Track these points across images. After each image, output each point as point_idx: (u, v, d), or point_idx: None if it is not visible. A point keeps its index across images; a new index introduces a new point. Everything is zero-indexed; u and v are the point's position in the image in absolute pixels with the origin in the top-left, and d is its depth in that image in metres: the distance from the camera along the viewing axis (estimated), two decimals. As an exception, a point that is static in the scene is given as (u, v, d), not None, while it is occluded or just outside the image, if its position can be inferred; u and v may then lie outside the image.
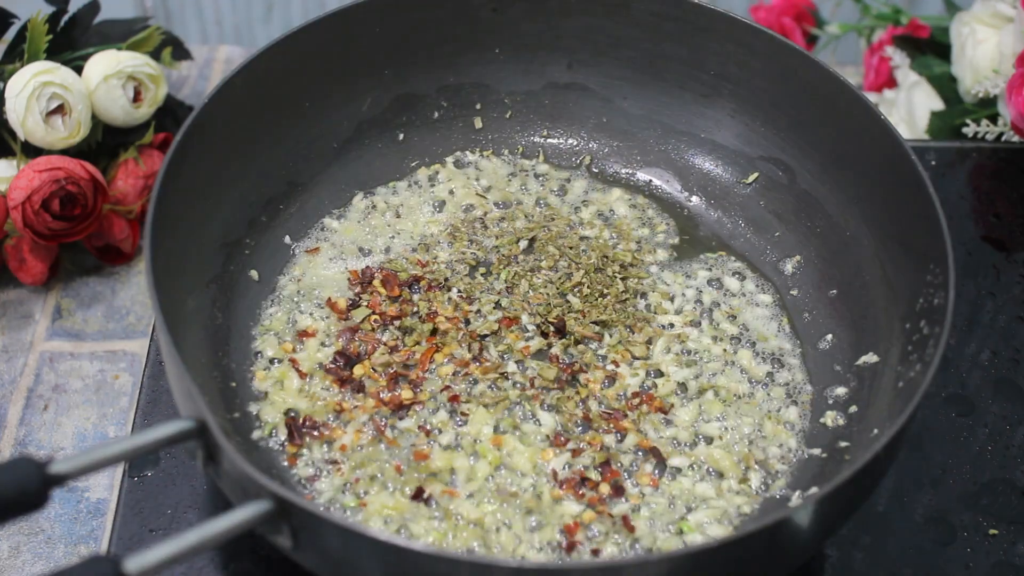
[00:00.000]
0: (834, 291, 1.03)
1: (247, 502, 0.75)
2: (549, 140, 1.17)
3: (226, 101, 0.98)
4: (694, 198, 1.13)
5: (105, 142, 1.25)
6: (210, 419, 0.77)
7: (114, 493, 1.07)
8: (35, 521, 1.06)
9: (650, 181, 1.15)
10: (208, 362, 0.95)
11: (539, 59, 1.14)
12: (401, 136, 1.14)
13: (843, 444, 0.93)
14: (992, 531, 0.97)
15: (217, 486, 0.86)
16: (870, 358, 0.97)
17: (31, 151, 1.20)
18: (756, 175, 1.11)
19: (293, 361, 0.98)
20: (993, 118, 1.28)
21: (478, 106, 1.16)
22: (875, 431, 0.90)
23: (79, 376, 1.18)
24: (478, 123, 1.16)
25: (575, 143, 1.17)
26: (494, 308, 1.03)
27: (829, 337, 1.02)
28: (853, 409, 0.96)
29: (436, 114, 1.15)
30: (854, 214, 1.03)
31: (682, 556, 0.74)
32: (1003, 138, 1.27)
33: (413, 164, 1.14)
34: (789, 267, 1.07)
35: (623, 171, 1.15)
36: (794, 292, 1.06)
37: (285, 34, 1.02)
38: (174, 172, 0.91)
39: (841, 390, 0.98)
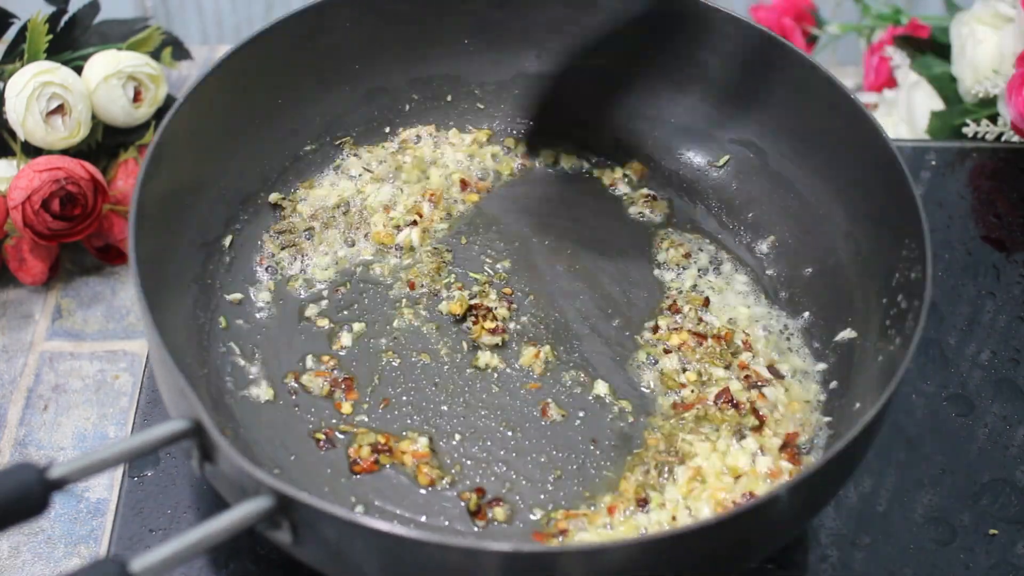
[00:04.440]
0: (809, 269, 1.04)
1: (246, 499, 0.75)
2: (520, 129, 1.17)
3: (200, 103, 0.98)
4: (666, 182, 1.13)
5: (105, 142, 1.25)
6: (205, 417, 0.77)
7: (114, 493, 1.07)
8: (35, 521, 1.06)
9: (623, 166, 1.15)
10: (196, 361, 0.95)
11: (508, 49, 1.14)
12: (374, 130, 1.14)
13: (826, 419, 0.94)
14: (992, 531, 0.97)
15: (211, 486, 0.86)
16: (848, 334, 0.97)
17: (31, 151, 1.20)
18: (727, 158, 1.12)
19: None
20: (993, 118, 1.28)
21: (449, 98, 1.16)
22: (857, 404, 0.90)
23: (79, 376, 1.18)
24: (450, 117, 1.16)
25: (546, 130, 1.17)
26: (463, 293, 1.03)
27: (806, 315, 1.02)
28: (834, 384, 0.96)
29: (407, 107, 1.15)
30: (827, 192, 1.04)
31: (664, 538, 0.74)
32: (1003, 138, 1.27)
33: (387, 158, 1.14)
34: (764, 247, 1.08)
35: (595, 158, 1.16)
36: (770, 272, 1.06)
37: (257, 32, 1.02)
38: (152, 173, 0.91)
39: (821, 366, 0.99)
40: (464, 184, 1.11)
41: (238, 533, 0.74)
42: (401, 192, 1.10)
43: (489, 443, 0.94)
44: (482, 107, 1.17)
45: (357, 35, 1.09)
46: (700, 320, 1.02)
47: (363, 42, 1.10)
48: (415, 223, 1.08)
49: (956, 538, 0.97)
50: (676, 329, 1.01)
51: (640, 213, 1.11)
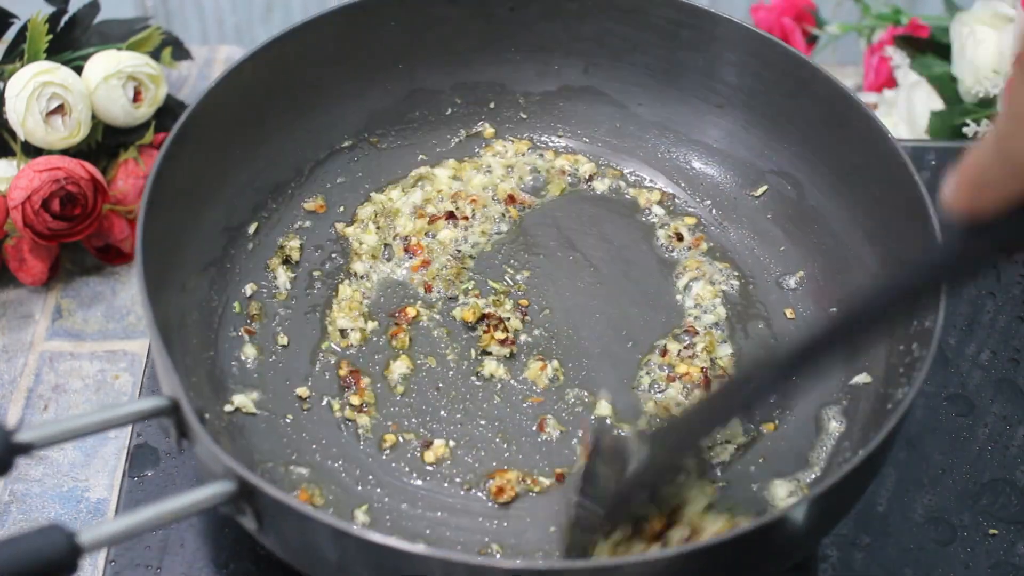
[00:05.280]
0: (834, 309, 1.02)
1: (213, 481, 0.76)
2: (561, 142, 1.16)
3: (236, 86, 0.98)
4: (702, 208, 1.13)
5: (105, 142, 1.25)
6: (183, 398, 0.77)
7: (114, 493, 1.07)
8: (35, 522, 1.06)
9: (660, 189, 1.14)
10: (202, 342, 0.95)
11: (555, 61, 1.14)
12: (412, 130, 1.14)
13: (814, 458, 0.94)
14: (992, 531, 0.98)
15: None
16: (863, 378, 0.96)
17: (31, 151, 1.20)
18: (765, 188, 1.10)
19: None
20: (993, 118, 1.28)
21: (492, 105, 1.15)
22: (860, 452, 0.89)
23: (79, 376, 1.18)
24: (488, 128, 1.15)
25: (587, 146, 1.16)
26: (479, 300, 1.03)
27: None
28: (842, 428, 0.95)
29: (449, 111, 1.15)
30: (859, 232, 1.02)
31: (674, 556, 0.74)
32: (1003, 138, 1.27)
33: (422, 159, 1.14)
34: (792, 282, 1.06)
35: (633, 177, 1.15)
36: (797, 308, 1.05)
37: (301, 21, 1.02)
38: (175, 153, 0.91)
39: (834, 409, 0.97)
40: (511, 199, 1.11)
41: (195, 514, 0.75)
42: (431, 195, 1.10)
43: (482, 453, 0.94)
44: (524, 117, 1.16)
45: (402, 35, 1.09)
46: (712, 361, 1.00)
47: (408, 42, 1.10)
48: (448, 224, 1.07)
49: (956, 538, 0.97)
50: (689, 358, 0.99)
51: (670, 237, 1.09)
